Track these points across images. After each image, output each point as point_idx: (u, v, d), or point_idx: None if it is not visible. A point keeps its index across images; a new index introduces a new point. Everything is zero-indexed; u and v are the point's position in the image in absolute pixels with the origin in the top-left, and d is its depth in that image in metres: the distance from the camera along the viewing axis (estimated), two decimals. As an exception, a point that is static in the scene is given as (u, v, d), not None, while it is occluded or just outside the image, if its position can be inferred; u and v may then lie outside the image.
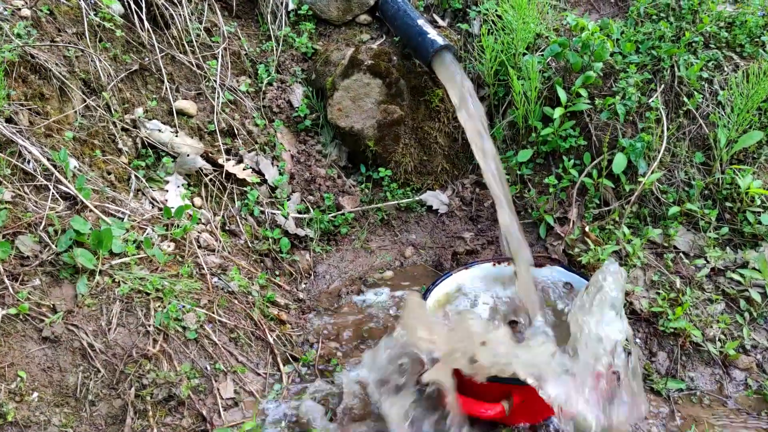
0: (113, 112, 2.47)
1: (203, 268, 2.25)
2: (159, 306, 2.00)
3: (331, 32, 3.07)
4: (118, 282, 2.01)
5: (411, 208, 2.87)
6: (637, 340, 2.25)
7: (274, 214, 2.65)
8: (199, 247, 2.35)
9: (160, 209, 2.35)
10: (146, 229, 2.23)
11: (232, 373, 2.01)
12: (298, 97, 2.95)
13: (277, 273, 2.55)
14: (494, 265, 2.33)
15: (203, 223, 2.47)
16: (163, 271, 2.13)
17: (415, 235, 2.82)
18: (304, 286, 2.58)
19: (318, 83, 2.94)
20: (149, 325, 1.95)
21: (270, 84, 2.95)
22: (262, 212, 2.64)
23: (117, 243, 2.08)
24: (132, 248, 2.09)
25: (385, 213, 2.84)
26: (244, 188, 2.64)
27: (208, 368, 1.98)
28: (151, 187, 2.45)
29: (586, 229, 2.52)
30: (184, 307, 2.02)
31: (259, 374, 2.07)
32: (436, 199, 2.87)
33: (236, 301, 2.22)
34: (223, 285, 2.25)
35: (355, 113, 2.80)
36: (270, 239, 2.58)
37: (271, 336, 2.18)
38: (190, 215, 2.34)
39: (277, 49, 2.99)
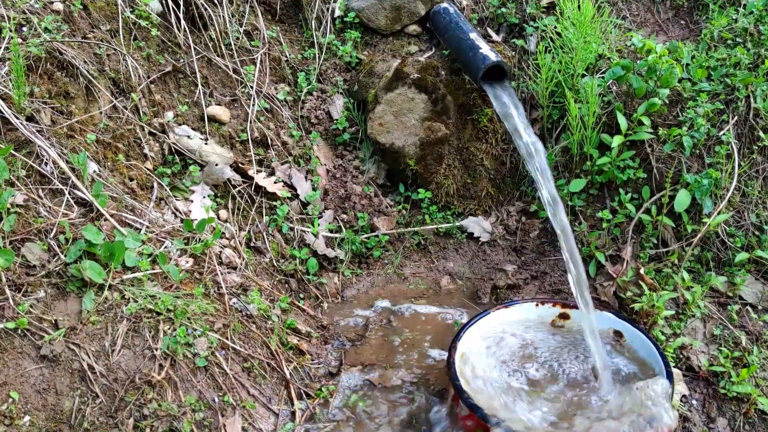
0: (142, 114, 2.34)
1: (222, 288, 2.09)
2: (169, 328, 1.85)
3: (377, 42, 2.90)
4: (128, 299, 1.86)
5: (450, 233, 2.68)
6: (694, 402, 2.01)
7: (304, 232, 2.48)
8: (220, 263, 2.20)
9: (182, 221, 2.21)
10: (164, 241, 2.09)
11: (241, 407, 1.84)
12: (338, 108, 2.79)
13: (301, 296, 2.38)
14: (537, 305, 2.13)
15: (227, 238, 2.32)
16: (177, 289, 1.99)
17: (452, 264, 2.62)
18: (330, 310, 2.41)
19: (360, 95, 2.77)
20: (156, 349, 1.80)
21: (310, 93, 2.79)
22: (291, 229, 2.48)
23: (131, 256, 1.94)
24: (146, 263, 1.95)
25: (422, 237, 2.66)
26: (274, 203, 2.48)
27: (216, 400, 1.82)
28: (175, 197, 2.32)
29: (641, 270, 2.29)
30: (194, 331, 1.86)
31: (271, 410, 1.90)
32: (478, 225, 2.67)
33: (254, 327, 2.06)
34: (242, 307, 2.09)
35: (396, 129, 2.62)
36: (297, 259, 2.42)
37: (288, 368, 2.01)
38: (213, 229, 2.19)
39: (319, 57, 2.84)
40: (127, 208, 2.10)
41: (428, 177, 2.66)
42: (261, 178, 2.48)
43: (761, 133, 2.40)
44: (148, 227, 2.09)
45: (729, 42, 2.63)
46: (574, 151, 2.55)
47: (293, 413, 1.92)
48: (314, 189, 2.60)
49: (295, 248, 2.44)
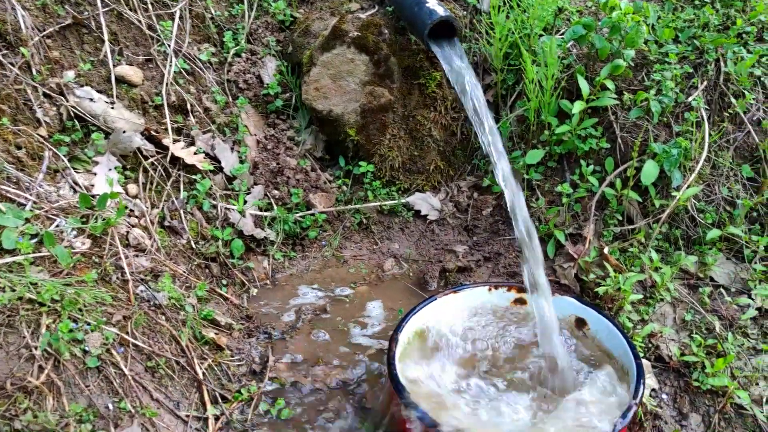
0: (34, 73, 2.01)
1: (125, 273, 1.79)
2: (53, 322, 1.54)
3: (314, -1, 2.60)
4: (3, 287, 1.54)
5: (395, 211, 2.41)
6: (664, 396, 1.79)
7: (228, 209, 2.19)
8: (127, 245, 1.89)
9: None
10: (56, 219, 1.77)
11: (141, 415, 1.54)
12: (269, 72, 2.49)
13: (224, 283, 2.09)
14: (490, 290, 1.88)
15: (136, 217, 2.01)
16: (69, 275, 1.67)
17: (397, 245, 2.36)
18: (257, 298, 2.12)
19: (294, 57, 2.48)
20: (35, 348, 1.49)
21: (238, 55, 2.48)
22: (214, 207, 2.18)
23: (9, 236, 1.62)
24: (28, 244, 1.63)
25: (364, 216, 2.38)
26: (194, 176, 2.18)
27: (110, 407, 1.52)
28: (74, 168, 1.99)
29: (606, 250, 2.06)
30: (80, 325, 1.55)
31: (179, 417, 1.61)
32: (426, 202, 2.41)
33: (163, 318, 1.76)
34: (149, 296, 1.78)
35: (335, 94, 2.33)
36: (220, 240, 2.12)
37: (202, 366, 1.72)
38: (118, 205, 1.88)
39: (249, 15, 2.53)
40: (9, 181, 1.77)
41: (371, 148, 2.39)
42: (178, 149, 2.17)
43: (732, 99, 2.19)
44: (35, 203, 1.76)
45: (696, 2, 2.42)
46: (530, 119, 2.30)
47: (206, 420, 1.63)
48: (242, 161, 2.30)
49: (217, 228, 2.14)
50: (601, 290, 1.94)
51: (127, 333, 1.64)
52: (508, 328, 1.81)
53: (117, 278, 1.78)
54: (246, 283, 2.14)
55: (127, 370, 1.59)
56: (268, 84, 2.45)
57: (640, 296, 1.95)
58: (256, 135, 2.41)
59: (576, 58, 2.32)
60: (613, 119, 2.22)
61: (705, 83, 2.22)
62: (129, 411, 1.53)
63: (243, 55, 2.49)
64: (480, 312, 1.84)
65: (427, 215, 2.40)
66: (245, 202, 2.21)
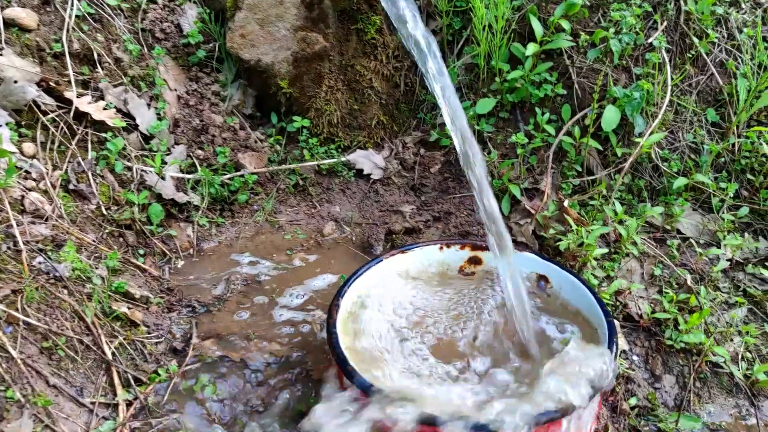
0: None
1: (18, 243, 1.52)
2: None
3: (239, -60, 2.34)
4: None
5: (335, 171, 2.19)
6: (635, 357, 1.63)
7: (145, 171, 1.93)
8: (22, 212, 1.62)
9: (-38, 155, 1.61)
10: (-71, 181, 1.49)
11: (32, 404, 1.29)
12: (189, 20, 2.22)
13: (141, 252, 1.83)
14: (441, 249, 1.68)
15: (34, 179, 1.74)
16: (-56, 244, 1.40)
17: (338, 207, 2.14)
18: (179, 269, 1.87)
19: (217, 3, 2.22)
20: None
21: (153, 2, 2.21)
22: (128, 168, 1.91)
23: None
24: None
25: (300, 177, 2.16)
26: (104, 135, 1.91)
27: (-6, 398, 1.27)
28: (-44, 125, 1.70)
29: (565, 203, 1.89)
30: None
31: (82, 405, 1.36)
32: (369, 161, 2.20)
33: (65, 293, 1.50)
34: (48, 267, 1.52)
35: (263, 42, 2.09)
36: (135, 206, 1.86)
37: (111, 345, 1.47)
38: (9, 166, 1.61)
39: (165, -43, 2.26)
40: None
41: (305, 102, 2.16)
42: (84, 103, 1.90)
43: (694, 39, 2.04)
44: None
45: (652, -61, 2.26)
46: (480, 65, 2.11)
47: (115, 406, 1.39)
48: (160, 118, 2.04)
49: (132, 192, 1.88)
50: (562, 245, 1.77)
51: (16, 309, 1.38)
52: (461, 289, 1.62)
53: (8, 248, 1.52)
54: (167, 252, 1.88)
55: (16, 352, 1.33)
56: (188, 33, 2.19)
57: (605, 251, 1.78)
58: (176, 90, 2.15)
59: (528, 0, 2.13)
60: (569, 63, 2.05)
61: (665, 23, 2.06)
62: (18, 400, 1.28)
63: (159, 1, 2.22)
64: (430, 273, 1.64)
65: (370, 174, 2.18)
66: (164, 162, 1.96)
